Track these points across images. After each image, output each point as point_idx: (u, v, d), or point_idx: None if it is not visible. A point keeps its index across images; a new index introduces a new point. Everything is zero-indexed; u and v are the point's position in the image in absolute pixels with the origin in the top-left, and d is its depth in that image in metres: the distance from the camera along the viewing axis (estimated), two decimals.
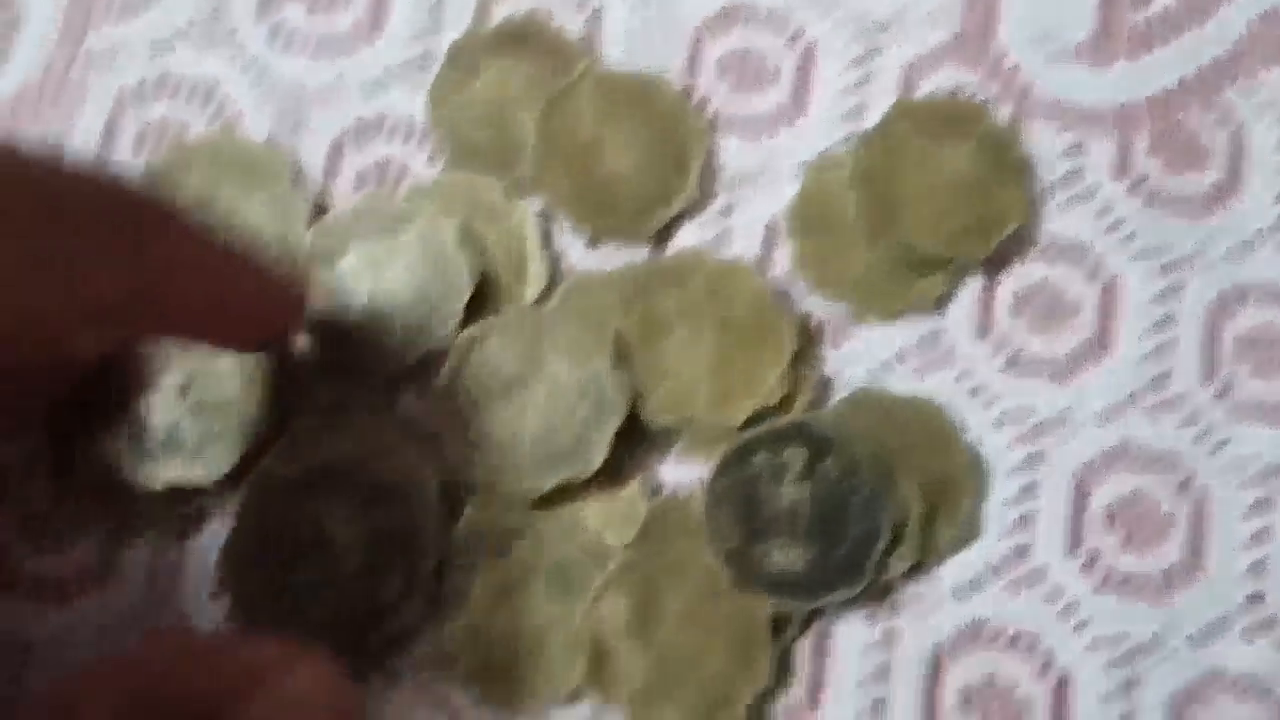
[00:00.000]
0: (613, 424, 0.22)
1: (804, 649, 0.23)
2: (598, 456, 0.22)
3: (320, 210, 0.25)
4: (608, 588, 0.22)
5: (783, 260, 0.24)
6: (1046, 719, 0.22)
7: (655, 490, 0.23)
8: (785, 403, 0.23)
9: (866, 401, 0.23)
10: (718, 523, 0.22)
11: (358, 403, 0.24)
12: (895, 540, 0.22)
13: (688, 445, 0.23)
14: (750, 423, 0.23)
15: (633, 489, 0.23)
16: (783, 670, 0.22)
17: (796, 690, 0.22)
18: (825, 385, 0.24)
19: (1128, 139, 0.25)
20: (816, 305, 0.24)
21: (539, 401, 0.23)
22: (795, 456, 0.22)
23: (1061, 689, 0.22)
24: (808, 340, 0.24)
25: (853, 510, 0.22)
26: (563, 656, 0.22)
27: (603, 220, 0.24)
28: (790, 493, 0.22)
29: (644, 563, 0.22)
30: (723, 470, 0.22)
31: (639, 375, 0.23)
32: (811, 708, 0.22)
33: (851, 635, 0.23)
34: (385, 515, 0.22)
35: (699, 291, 0.23)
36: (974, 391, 0.24)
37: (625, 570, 0.22)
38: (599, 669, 0.22)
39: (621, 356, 0.23)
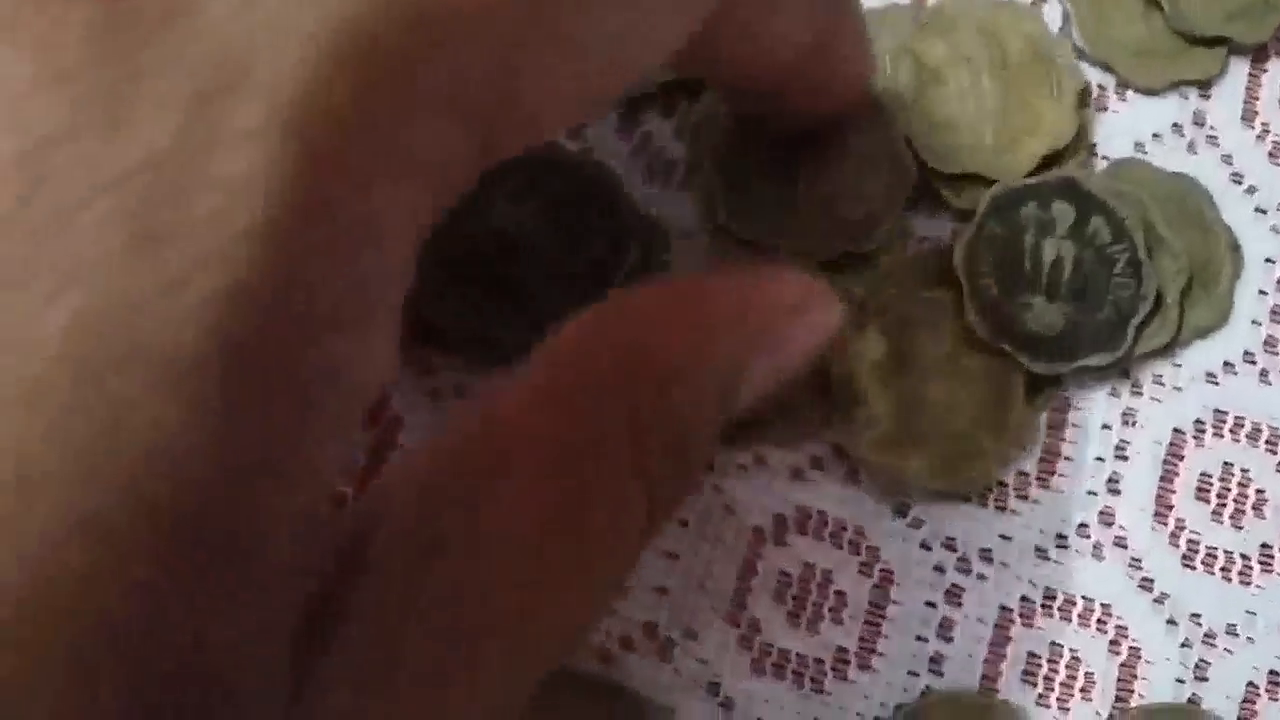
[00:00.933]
0: (904, 192, 0.21)
1: (1039, 419, 0.22)
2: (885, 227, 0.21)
3: None
4: (859, 328, 0.21)
5: (1048, 18, 0.23)
6: None
7: (904, 233, 0.22)
8: (1056, 158, 0.22)
9: (1129, 172, 0.22)
10: (978, 272, 0.21)
11: None
12: (1152, 313, 0.21)
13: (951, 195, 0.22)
14: (1040, 170, 0.22)
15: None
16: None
17: (1030, 459, 0.21)
18: (1089, 150, 0.23)
19: None
20: (1079, 70, 0.23)
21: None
22: (1063, 212, 0.21)
23: None
24: (1079, 98, 0.22)
25: (1116, 276, 0.21)
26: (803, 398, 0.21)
27: None
28: (1055, 249, 0.21)
29: (896, 307, 0.21)
30: (988, 216, 0.21)
31: (914, 128, 0.22)
32: (1043, 477, 0.21)
33: (1091, 409, 0.22)
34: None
35: (969, 37, 0.22)
36: (1235, 177, 0.23)
37: (877, 314, 0.21)
38: (846, 409, 0.21)
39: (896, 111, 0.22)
